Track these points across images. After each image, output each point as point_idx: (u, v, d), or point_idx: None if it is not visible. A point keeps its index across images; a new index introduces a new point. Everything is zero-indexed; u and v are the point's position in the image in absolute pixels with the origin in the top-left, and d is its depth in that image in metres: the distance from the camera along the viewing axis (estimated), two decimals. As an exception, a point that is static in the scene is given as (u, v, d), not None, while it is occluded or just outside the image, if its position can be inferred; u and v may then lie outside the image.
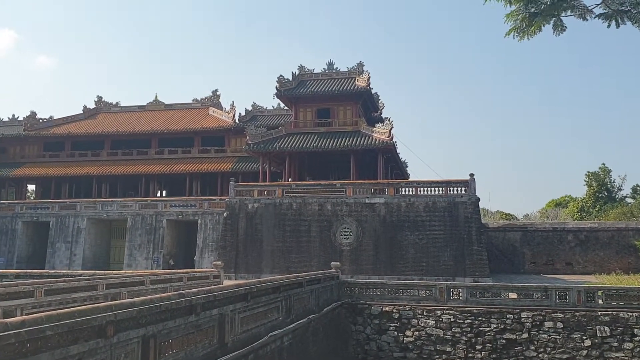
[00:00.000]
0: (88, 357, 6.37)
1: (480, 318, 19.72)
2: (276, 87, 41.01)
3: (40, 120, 52.91)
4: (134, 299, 7.58)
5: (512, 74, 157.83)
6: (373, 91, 43.88)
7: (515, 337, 19.24)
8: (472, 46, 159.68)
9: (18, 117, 55.92)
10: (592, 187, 64.44)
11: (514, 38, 10.04)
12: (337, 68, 43.68)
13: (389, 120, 38.57)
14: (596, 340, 18.51)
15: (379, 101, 46.77)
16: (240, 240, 35.72)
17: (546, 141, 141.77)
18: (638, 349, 18.16)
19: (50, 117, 53.94)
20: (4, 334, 5.19)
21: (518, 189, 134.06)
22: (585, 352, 18.50)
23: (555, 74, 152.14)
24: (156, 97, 56.39)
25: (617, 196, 64.96)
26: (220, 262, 23.41)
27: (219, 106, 53.31)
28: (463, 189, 33.77)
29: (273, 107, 53.35)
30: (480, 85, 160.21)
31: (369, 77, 40.79)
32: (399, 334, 20.22)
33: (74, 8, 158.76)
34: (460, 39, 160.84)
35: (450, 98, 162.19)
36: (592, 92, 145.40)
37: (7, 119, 56.54)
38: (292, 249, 34.79)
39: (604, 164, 65.18)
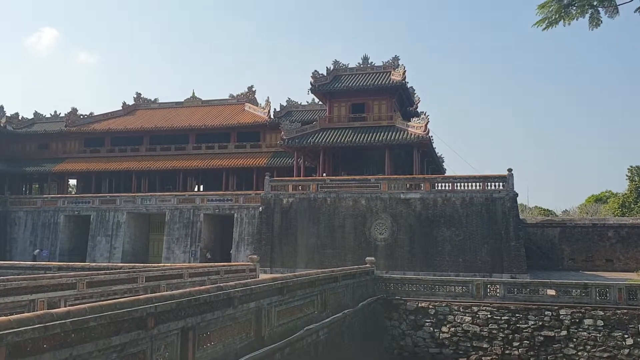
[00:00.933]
0: (130, 348, 6.52)
1: (517, 315, 19.44)
2: (310, 83, 41.06)
3: (81, 117, 54.29)
4: (174, 292, 7.73)
5: (552, 65, 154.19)
6: (408, 85, 43.45)
7: (553, 334, 18.90)
8: (512, 37, 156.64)
9: (60, 114, 57.44)
10: (634, 182, 62.45)
11: (538, 27, 9.93)
12: (372, 62, 43.44)
13: (424, 114, 38.21)
14: (638, 339, 18.01)
15: (415, 95, 46.32)
16: (275, 234, 35.97)
17: (586, 135, 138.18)
18: (683, 348, 17.61)
19: (91, 114, 55.29)
20: (50, 324, 5.36)
21: (557, 184, 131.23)
22: (627, 350, 18.04)
23: (598, 65, 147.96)
24: (193, 93, 57.22)
25: (661, 192, 62.78)
26: (256, 256, 23.65)
27: (254, 102, 53.70)
28: (501, 184, 33.20)
29: (307, 102, 53.48)
30: (519, 78, 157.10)
31: (405, 71, 40.42)
32: (435, 330, 20.09)
33: (115, 6, 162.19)
34: (499, 28, 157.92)
35: (489, 91, 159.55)
36: (636, 84, 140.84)
37: (49, 115, 58.18)
38: (327, 243, 34.86)
39: (649, 157, 63.10)
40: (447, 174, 48.89)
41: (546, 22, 9.72)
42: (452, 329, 19.94)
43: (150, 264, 23.19)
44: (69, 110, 54.00)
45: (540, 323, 19.10)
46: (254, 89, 55.16)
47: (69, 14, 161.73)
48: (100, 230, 45.37)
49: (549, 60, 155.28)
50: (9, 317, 5.12)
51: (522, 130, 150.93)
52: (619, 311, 18.42)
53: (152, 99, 58.73)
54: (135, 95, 58.74)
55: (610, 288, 19.02)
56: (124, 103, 57.61)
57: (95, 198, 46.92)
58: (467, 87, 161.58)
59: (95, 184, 50.84)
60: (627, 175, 63.68)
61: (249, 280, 11.00)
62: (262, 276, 20.79)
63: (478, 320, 19.78)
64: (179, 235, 43.21)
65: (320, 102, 47.35)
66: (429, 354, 19.94)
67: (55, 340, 5.43)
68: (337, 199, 35.42)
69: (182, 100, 57.07)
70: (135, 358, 6.65)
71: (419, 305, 20.49)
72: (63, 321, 5.51)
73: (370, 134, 38.42)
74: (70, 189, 60.08)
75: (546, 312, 19.16)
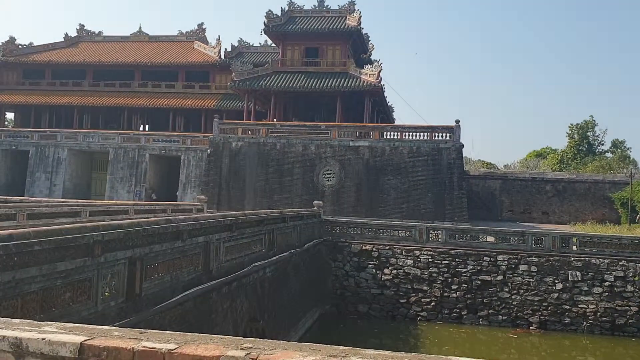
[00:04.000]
0: (75, 274, 6.41)
1: (457, 259, 20.28)
2: (264, 23, 39.98)
3: (20, 47, 51.25)
4: (122, 222, 7.60)
5: (500, 20, 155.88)
6: (363, 32, 43.05)
7: (490, 278, 19.87)
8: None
9: (-5, 42, 54.02)
10: (573, 140, 65.18)
11: None
12: (327, 6, 42.60)
13: (378, 62, 38.10)
14: (567, 284, 19.21)
15: (369, 43, 45.98)
16: (223, 177, 35.72)
17: (530, 92, 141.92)
18: (606, 293, 18.91)
19: (30, 44, 52.25)
20: (-9, 245, 5.19)
21: (500, 139, 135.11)
22: (556, 295, 19.22)
23: (546, 24, 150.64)
24: (140, 28, 54.77)
25: (597, 150, 65.84)
26: (203, 197, 23.50)
27: (204, 40, 52.00)
28: (448, 135, 33.87)
29: (260, 44, 52.28)
30: (469, 33, 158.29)
31: (360, 17, 39.91)
32: (378, 272, 20.74)
33: None
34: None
35: (440, 44, 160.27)
36: (585, 44, 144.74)
37: (-17, 44, 54.59)
38: (275, 188, 34.94)
39: (592, 117, 65.66)
40: (397, 123, 49.38)
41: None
42: (394, 271, 20.64)
43: (94, 201, 22.66)
44: (7, 39, 50.80)
45: (479, 268, 20.02)
46: (204, 27, 53.36)
47: None
48: (40, 167, 43.72)
49: (497, 15, 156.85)
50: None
51: (470, 84, 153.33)
52: (551, 258, 19.50)
53: (97, 32, 55.85)
54: (78, 27, 55.67)
55: (546, 236, 20.07)
56: (66, 34, 54.61)
57: (35, 133, 44.92)
58: (419, 37, 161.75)
59: (34, 119, 48.59)
60: (567, 133, 66.35)
61: (199, 215, 10.94)
62: (210, 216, 20.73)
63: (419, 264, 20.53)
64: (123, 174, 42.21)
65: (273, 45, 46.33)
66: (371, 295, 20.63)
67: (-3, 262, 5.27)
68: (287, 144, 35.32)
69: (128, 34, 54.57)
70: (81, 285, 6.56)
71: (363, 247, 21.02)
72: (5, 243, 5.33)
73: (323, 80, 38.09)
74: (7, 123, 57.22)
75: (485, 258, 20.07)
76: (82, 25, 55.74)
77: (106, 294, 7.07)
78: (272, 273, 13.56)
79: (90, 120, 47.93)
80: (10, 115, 57.29)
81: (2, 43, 50.97)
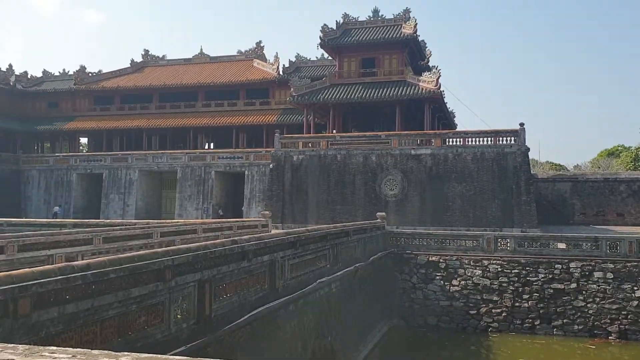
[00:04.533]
0: (148, 299, 6.68)
1: (527, 268, 19.64)
2: (320, 37, 40.38)
3: (90, 75, 54.07)
4: (190, 245, 7.86)
5: (564, 19, 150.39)
6: (420, 39, 42.63)
7: (563, 287, 19.12)
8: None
9: (69, 72, 57.15)
10: (649, 136, 61.70)
11: None
12: (382, 16, 42.53)
13: (436, 68, 37.60)
14: (648, 292, 18.18)
15: (426, 49, 45.48)
16: (286, 191, 36.17)
17: (599, 90, 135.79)
18: (693, 300, 17.75)
19: (99, 71, 55.04)
20: (71, 275, 5.49)
21: (569, 139, 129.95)
22: (635, 302, 18.25)
23: (612, 21, 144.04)
24: (201, 50, 56.62)
25: (676, 146, 62.07)
26: (268, 212, 23.88)
27: (263, 58, 53.10)
28: (512, 138, 32.94)
29: (317, 58, 52.81)
30: (531, 32, 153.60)
31: (416, 24, 39.59)
32: (446, 283, 20.38)
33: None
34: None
35: (501, 46, 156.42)
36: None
37: (58, 74, 57.92)
38: (337, 200, 35.02)
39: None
40: (459, 129, 48.50)
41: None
42: (463, 282, 20.21)
43: (164, 221, 23.49)
44: (78, 68, 53.77)
45: (550, 276, 19.30)
46: (262, 45, 54.47)
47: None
48: (113, 188, 45.82)
49: (560, 14, 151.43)
50: (32, 269, 5.25)
51: (534, 84, 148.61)
52: (629, 264, 18.54)
53: (160, 56, 58.22)
54: (143, 52, 58.23)
55: (621, 241, 19.10)
56: (132, 60, 57.20)
57: (107, 156, 47.20)
58: (479, 41, 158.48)
59: (106, 142, 50.98)
60: (640, 129, 62.79)
61: (263, 234, 11.14)
62: (274, 231, 21.05)
63: (488, 274, 20.01)
64: (191, 192, 43.58)
65: (329, 58, 46.72)
66: (440, 307, 20.28)
67: (77, 291, 5.57)
68: (348, 155, 35.38)
69: (191, 57, 56.54)
70: (154, 309, 6.82)
71: (430, 259, 20.72)
72: (84, 273, 5.63)
73: (381, 90, 37.97)
74: (81, 147, 60.38)
75: (556, 265, 19.33)
76: (146, 51, 58.24)
77: (178, 316, 7.32)
78: (338, 288, 13.60)
79: (159, 141, 49.79)
80: (84, 140, 60.41)
81: (74, 72, 53.97)
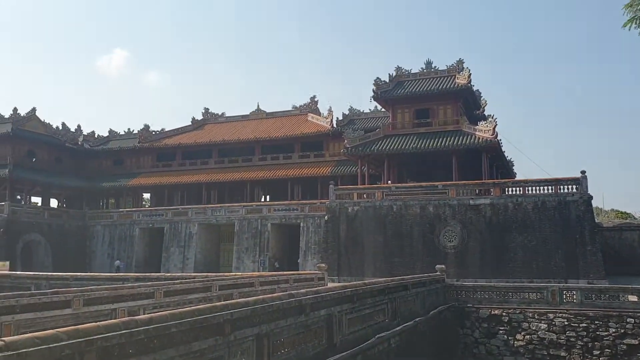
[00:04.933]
0: (208, 353, 6.71)
1: (597, 322, 18.56)
2: (373, 90, 40.94)
3: (153, 133, 56.58)
4: (248, 299, 7.90)
5: (621, 63, 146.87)
6: (474, 88, 42.54)
7: (638, 342, 17.90)
8: (580, 38, 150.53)
9: (133, 131, 59.93)
10: None
11: (630, 29, 9.29)
12: (435, 67, 42.83)
13: (492, 117, 37.24)
14: None
15: (481, 98, 45.25)
16: (341, 243, 36.00)
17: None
18: None
19: (162, 130, 57.53)
20: (135, 330, 5.61)
21: (635, 186, 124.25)
22: None
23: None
24: (258, 106, 58.49)
25: None
26: (324, 265, 23.77)
27: (316, 112, 54.20)
28: (574, 187, 31.88)
29: (370, 110, 53.45)
30: (590, 77, 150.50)
31: (470, 74, 39.60)
32: (509, 338, 19.50)
33: (180, 27, 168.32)
34: (567, 29, 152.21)
35: (559, 93, 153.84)
36: None
37: (123, 133, 60.83)
38: (394, 252, 34.52)
39: None
40: (517, 178, 47.37)
41: (636, 21, 9.15)
42: (528, 336, 19.29)
43: (222, 273, 23.75)
44: (142, 127, 56.41)
45: (622, 330, 18.15)
46: (316, 99, 55.74)
47: (138, 36, 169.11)
48: (174, 242, 46.93)
49: (614, 59, 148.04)
50: (98, 323, 5.40)
51: (596, 129, 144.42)
52: None
53: (220, 113, 60.42)
54: (203, 110, 60.69)
55: (702, 294, 17.85)
56: (193, 118, 59.62)
57: (168, 211, 48.63)
58: (535, 89, 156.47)
59: (167, 197, 52.62)
60: None
61: (319, 288, 11.08)
62: (330, 284, 20.86)
63: (554, 328, 19.03)
64: (247, 245, 44.07)
65: (383, 109, 47.17)
66: (504, 363, 19.34)
67: (140, 345, 5.66)
68: (404, 206, 35.05)
69: (248, 113, 58.44)
70: (213, 363, 6.83)
71: (492, 312, 19.94)
72: (146, 327, 5.74)
73: (436, 140, 37.80)
74: (144, 203, 62.54)
75: (628, 320, 18.19)
76: (206, 109, 60.66)
77: (236, 371, 7.30)
78: (397, 344, 13.23)
79: (217, 194, 50.97)
80: (146, 196, 62.60)
81: (138, 131, 56.62)
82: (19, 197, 52.71)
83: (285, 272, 24.30)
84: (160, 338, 5.95)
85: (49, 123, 54.00)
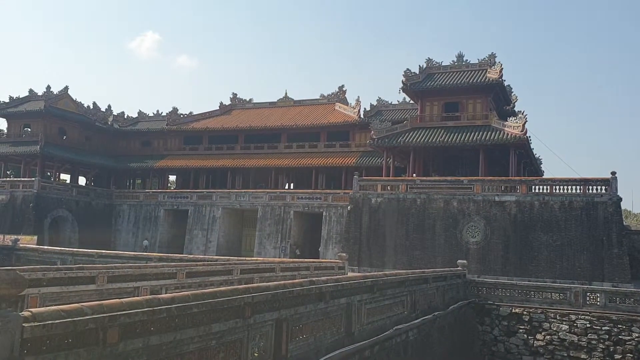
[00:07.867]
0: (228, 335, 6.77)
1: (620, 326, 18.26)
2: (402, 81, 40.53)
3: (181, 116, 57.09)
4: (269, 284, 7.95)
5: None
6: (505, 83, 41.86)
7: (662, 350, 17.56)
8: (615, 33, 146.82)
9: (162, 113, 60.60)
10: None
11: None
12: (466, 60, 42.24)
13: (522, 113, 36.63)
14: None
15: (512, 94, 44.52)
16: (363, 233, 35.96)
17: None
18: None
19: (190, 113, 58.00)
20: (157, 308, 5.68)
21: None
22: None
23: None
24: (286, 93, 58.46)
25: None
26: (344, 254, 23.79)
27: (344, 101, 53.97)
28: (603, 188, 31.25)
29: (398, 101, 53.02)
30: (622, 74, 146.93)
31: (501, 69, 38.95)
32: (529, 337, 19.31)
33: (213, 12, 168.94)
34: (599, 27, 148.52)
35: (591, 91, 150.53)
36: None
37: (152, 115, 61.59)
38: (416, 245, 34.37)
39: None
40: (545, 176, 46.62)
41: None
42: (548, 336, 19.07)
43: (244, 258, 23.96)
44: (170, 109, 56.96)
45: (647, 336, 17.82)
46: (344, 89, 55.45)
47: (170, 19, 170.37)
48: (197, 224, 47.47)
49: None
50: (121, 299, 5.49)
51: (628, 130, 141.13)
52: None
53: (247, 99, 60.63)
54: (231, 96, 60.97)
55: None
56: (221, 103, 59.94)
57: (193, 194, 49.16)
58: (568, 85, 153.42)
59: (193, 180, 53.14)
60: None
61: (340, 276, 11.09)
62: (350, 274, 20.89)
63: (576, 329, 18.78)
64: (270, 231, 44.34)
65: (411, 102, 46.73)
66: (523, 362, 19.18)
67: (161, 324, 5.73)
68: (428, 200, 34.83)
69: (276, 100, 58.51)
70: (232, 345, 6.89)
71: (513, 310, 19.76)
72: (169, 306, 5.81)
73: (464, 134, 37.35)
74: (169, 185, 63.28)
75: (654, 326, 17.84)
76: (234, 94, 60.94)
77: (255, 354, 7.35)
78: (415, 337, 13.21)
79: (242, 180, 51.31)
80: (172, 178, 63.35)
81: (167, 114, 57.19)
82: (48, 173, 53.89)
83: (306, 260, 24.42)
84: (182, 317, 6.02)
85: (80, 102, 54.95)
